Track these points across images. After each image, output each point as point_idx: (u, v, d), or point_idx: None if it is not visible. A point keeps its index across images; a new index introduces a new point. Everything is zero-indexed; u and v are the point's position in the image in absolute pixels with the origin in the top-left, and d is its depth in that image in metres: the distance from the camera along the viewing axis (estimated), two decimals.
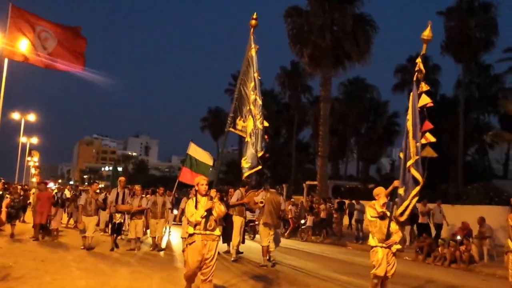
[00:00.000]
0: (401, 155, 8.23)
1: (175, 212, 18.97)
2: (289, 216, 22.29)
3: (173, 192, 17.83)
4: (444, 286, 11.45)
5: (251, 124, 7.77)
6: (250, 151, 7.71)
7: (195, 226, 7.34)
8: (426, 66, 38.62)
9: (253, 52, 8.08)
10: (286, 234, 21.56)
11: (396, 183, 8.05)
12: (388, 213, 7.98)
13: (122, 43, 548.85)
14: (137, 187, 14.86)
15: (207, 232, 7.36)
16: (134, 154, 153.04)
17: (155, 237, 14.63)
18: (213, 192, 7.57)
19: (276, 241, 12.96)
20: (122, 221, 14.30)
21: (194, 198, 7.53)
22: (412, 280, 11.53)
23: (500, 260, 15.45)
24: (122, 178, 14.74)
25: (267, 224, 12.49)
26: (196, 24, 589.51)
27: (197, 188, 7.60)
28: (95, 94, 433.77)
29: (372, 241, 8.12)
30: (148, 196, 15.87)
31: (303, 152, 54.46)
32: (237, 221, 13.41)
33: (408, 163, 7.80)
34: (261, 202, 12.73)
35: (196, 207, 7.39)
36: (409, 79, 46.80)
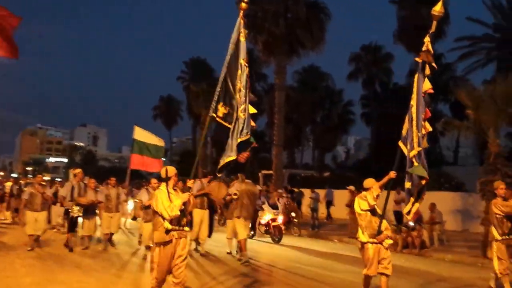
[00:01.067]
0: (401, 144, 7.99)
1: (130, 205, 18.75)
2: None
3: (127, 183, 17.26)
4: (396, 270, 11.96)
5: (235, 114, 7.64)
6: (229, 141, 7.60)
7: (170, 221, 6.66)
8: (378, 55, 40.04)
9: (242, 38, 7.85)
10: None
11: (392, 174, 7.72)
12: (379, 210, 7.79)
13: (68, 29, 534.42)
14: (91, 180, 13.83)
15: (180, 227, 6.79)
16: (81, 144, 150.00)
17: (107, 234, 13.76)
18: (191, 183, 7.24)
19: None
20: (81, 214, 13.07)
21: (166, 190, 6.80)
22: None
23: (450, 245, 16.38)
24: (78, 170, 13.78)
25: (243, 217, 12.05)
26: (147, 10, 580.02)
27: (175, 178, 6.97)
28: (39, 82, 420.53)
29: (362, 236, 7.74)
30: (102, 187, 14.91)
31: (258, 141, 54.59)
32: (197, 215, 12.71)
33: (411, 154, 7.58)
34: (235, 194, 12.18)
35: (169, 199, 6.71)
36: (363, 67, 48.22)
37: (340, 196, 22.24)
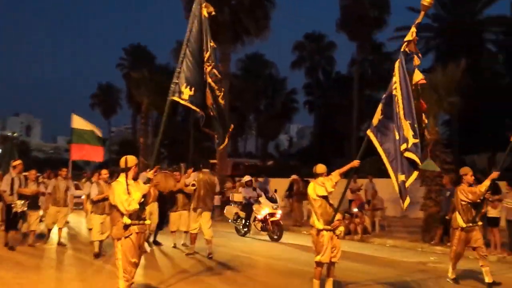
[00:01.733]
0: (370, 134, 7.60)
1: None
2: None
3: (70, 175, 16.72)
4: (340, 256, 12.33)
5: (209, 97, 7.24)
6: (217, 126, 7.35)
7: (130, 215, 6.26)
8: (322, 43, 40.50)
9: (205, 12, 7.39)
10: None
11: (355, 163, 7.58)
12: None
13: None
14: (32, 172, 12.69)
15: (141, 222, 6.43)
16: (14, 134, 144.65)
17: (50, 230, 13.06)
18: (151, 174, 6.58)
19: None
20: (25, 209, 11.94)
21: (124, 181, 6.35)
22: (307, 252, 12.41)
23: (390, 231, 16.95)
24: (18, 162, 12.49)
25: (200, 208, 11.35)
26: None
27: (135, 169, 6.56)
28: None
29: (318, 223, 7.60)
30: (45, 180, 14.06)
31: (201, 130, 54.48)
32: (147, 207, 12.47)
33: (402, 147, 7.11)
34: (193, 185, 11.61)
35: (128, 191, 6.27)
36: (307, 56, 48.72)
37: (282, 184, 22.52)
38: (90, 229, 12.21)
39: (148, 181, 6.49)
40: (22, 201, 11.83)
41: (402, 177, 7.17)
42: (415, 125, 7.02)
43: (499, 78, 34.60)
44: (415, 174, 7.10)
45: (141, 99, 47.36)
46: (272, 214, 14.97)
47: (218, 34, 29.60)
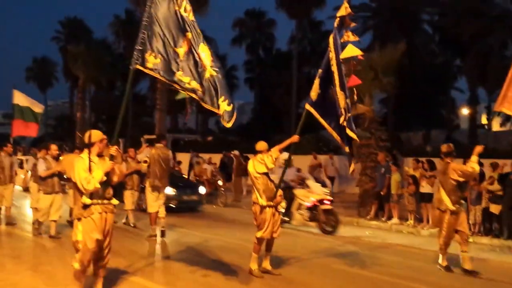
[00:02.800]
0: (309, 108, 7.71)
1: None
2: (205, 178, 19.83)
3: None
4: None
5: (207, 49, 6.62)
6: (225, 86, 6.59)
7: (91, 194, 5.77)
8: (261, 20, 40.37)
9: None
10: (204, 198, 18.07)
11: (295, 138, 7.57)
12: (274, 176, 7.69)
13: None
14: None
15: (105, 201, 5.90)
16: None
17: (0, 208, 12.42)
18: (114, 150, 5.96)
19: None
20: None
21: (87, 158, 5.81)
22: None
23: None
24: None
25: (155, 187, 10.57)
26: None
27: (99, 145, 5.98)
28: None
29: (261, 200, 7.50)
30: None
31: (140, 105, 53.57)
32: None
33: (341, 120, 7.12)
34: (145, 161, 10.79)
35: (89, 169, 5.75)
36: (246, 32, 48.39)
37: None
38: (35, 208, 11.20)
39: (111, 158, 5.91)
40: None
41: (347, 149, 7.43)
42: (347, 100, 7.12)
43: (434, 57, 35.68)
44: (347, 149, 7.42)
45: (78, 74, 46.08)
46: (322, 201, 12.75)
47: None
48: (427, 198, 12.77)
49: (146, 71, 6.38)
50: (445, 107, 36.47)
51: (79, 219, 5.78)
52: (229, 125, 6.47)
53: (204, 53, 6.51)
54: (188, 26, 6.54)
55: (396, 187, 13.61)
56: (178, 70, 6.39)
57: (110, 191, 5.97)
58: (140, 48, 6.34)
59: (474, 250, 9.89)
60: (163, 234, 10.66)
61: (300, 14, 38.30)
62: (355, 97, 7.58)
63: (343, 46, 7.45)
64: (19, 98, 15.06)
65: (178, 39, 6.49)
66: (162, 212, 10.69)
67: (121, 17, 50.36)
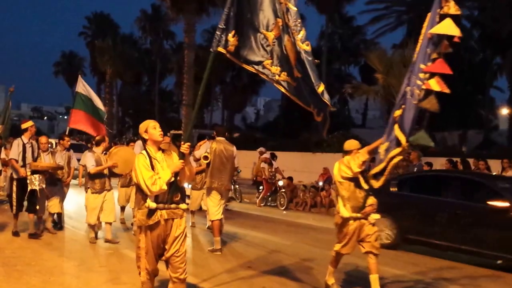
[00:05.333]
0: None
1: None
2: (263, 177, 17.14)
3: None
4: (306, 227, 12.25)
5: (291, 45, 5.51)
6: (311, 91, 5.48)
7: (156, 197, 4.87)
8: None
9: None
10: (258, 201, 16.89)
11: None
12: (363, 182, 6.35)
13: None
14: (43, 139, 9.70)
15: (173, 206, 4.96)
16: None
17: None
18: (185, 147, 4.91)
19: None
20: (44, 186, 9.15)
21: (146, 154, 4.90)
22: (276, 224, 12.50)
23: None
24: (30, 123, 9.52)
25: (216, 188, 8.79)
26: None
27: (146, 137, 5.00)
28: None
29: (344, 210, 6.38)
30: (64, 151, 10.43)
31: (166, 100, 53.88)
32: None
33: (396, 113, 5.78)
34: (205, 158, 8.84)
35: (152, 167, 4.85)
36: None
37: (248, 157, 22.16)
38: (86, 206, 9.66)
39: (182, 156, 4.93)
40: (38, 176, 9.08)
41: (383, 147, 5.93)
42: (407, 88, 5.63)
43: (473, 54, 34.69)
44: (398, 150, 5.64)
45: (105, 68, 46.51)
46: None
47: (183, 3, 28.81)
48: None
49: (227, 55, 5.48)
50: (484, 106, 35.42)
51: (141, 226, 4.96)
52: (324, 135, 5.84)
53: (288, 48, 5.56)
54: (279, 12, 5.57)
55: None
56: (266, 58, 5.51)
57: (178, 194, 5.08)
58: (223, 27, 5.38)
59: None
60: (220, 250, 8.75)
61: (330, 9, 37.82)
62: (437, 86, 5.41)
63: (441, 19, 5.52)
64: (82, 87, 13.34)
65: (269, 22, 5.56)
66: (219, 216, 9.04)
67: (147, 12, 50.68)
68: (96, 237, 9.10)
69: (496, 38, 30.06)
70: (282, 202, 16.20)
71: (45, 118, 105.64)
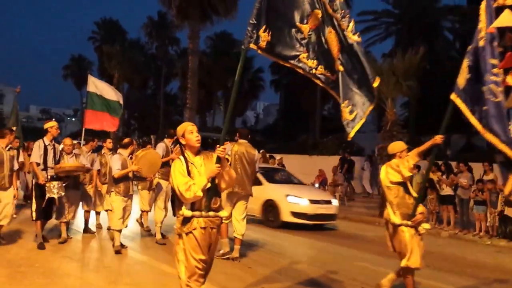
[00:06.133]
0: (456, 98, 5.51)
1: None
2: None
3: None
4: (304, 228, 12.33)
5: (334, 37, 5.00)
6: (349, 87, 4.98)
7: (192, 205, 4.41)
8: None
9: None
10: None
11: (438, 138, 5.75)
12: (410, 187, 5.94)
13: None
14: (67, 141, 8.93)
15: (211, 213, 4.46)
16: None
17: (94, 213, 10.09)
18: (220, 151, 4.42)
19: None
20: (63, 193, 8.37)
21: (183, 159, 4.46)
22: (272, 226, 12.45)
23: (349, 205, 17.22)
24: (53, 123, 8.75)
25: (237, 193, 8.02)
26: None
27: (183, 142, 4.57)
28: None
29: (394, 217, 5.80)
30: (89, 153, 10.01)
31: (171, 104, 54.23)
32: (163, 186, 9.57)
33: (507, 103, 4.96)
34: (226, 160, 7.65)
35: (189, 172, 4.40)
36: None
37: None
38: (108, 211, 9.27)
39: (218, 160, 4.43)
40: (59, 183, 8.30)
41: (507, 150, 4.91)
42: (485, 87, 5.11)
43: (455, 63, 35.30)
44: None
45: (112, 72, 46.82)
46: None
47: (187, 11, 29.27)
48: (448, 200, 12.75)
49: (259, 51, 5.03)
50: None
51: (179, 235, 4.44)
52: (350, 137, 5.03)
53: (330, 40, 5.05)
54: (318, 3, 5.06)
55: (417, 189, 13.58)
56: (302, 52, 5.06)
57: (217, 201, 4.57)
58: (254, 22, 4.91)
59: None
60: (235, 259, 8.00)
61: None
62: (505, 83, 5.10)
63: (497, 12, 5.19)
64: (93, 86, 12.85)
65: (304, 14, 5.08)
66: (242, 229, 8.16)
67: (154, 19, 51.10)
68: (122, 246, 8.39)
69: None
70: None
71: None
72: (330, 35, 5.05)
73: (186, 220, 4.41)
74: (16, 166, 8.44)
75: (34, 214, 8.41)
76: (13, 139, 8.75)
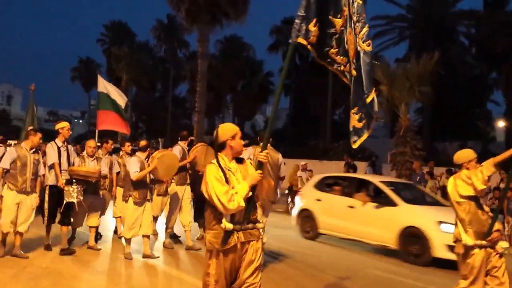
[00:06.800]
0: None
1: None
2: (299, 187, 15.10)
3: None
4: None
5: (351, 40, 4.59)
6: (360, 94, 4.58)
7: (232, 216, 3.92)
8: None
9: None
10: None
11: None
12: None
13: None
14: (91, 143, 8.54)
15: (250, 225, 4.00)
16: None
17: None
18: (263, 156, 3.95)
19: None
20: (81, 198, 7.87)
21: (217, 164, 3.96)
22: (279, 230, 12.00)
23: None
24: (64, 124, 8.33)
25: (260, 199, 6.94)
26: None
27: (232, 143, 4.04)
28: None
29: (466, 237, 5.14)
30: (107, 155, 9.25)
31: (179, 107, 54.25)
32: (178, 192, 9.17)
33: None
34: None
35: (227, 180, 3.91)
36: (284, 40, 48.46)
37: None
38: (118, 217, 9.15)
39: (259, 166, 4.00)
40: (77, 187, 7.84)
41: None
42: None
43: (470, 69, 35.09)
44: None
45: (121, 75, 46.96)
46: None
47: (197, 15, 29.20)
48: None
49: (308, 47, 4.50)
50: (481, 119, 35.93)
51: (212, 250, 3.96)
52: (354, 145, 4.60)
53: (349, 42, 4.69)
54: (345, 0, 4.69)
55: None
56: (331, 47, 4.65)
57: (256, 212, 4.18)
58: (303, 14, 4.40)
59: None
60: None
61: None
62: None
63: None
64: (103, 86, 12.53)
65: (338, 8, 4.68)
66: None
67: (163, 22, 51.19)
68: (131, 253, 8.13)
69: (491, 54, 30.49)
70: None
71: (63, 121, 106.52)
72: (349, 36, 4.67)
73: (226, 235, 3.88)
74: (42, 171, 7.79)
75: (45, 219, 8.03)
76: (38, 141, 7.82)
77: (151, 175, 8.01)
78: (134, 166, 7.86)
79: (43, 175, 7.86)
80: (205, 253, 4.06)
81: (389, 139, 23.75)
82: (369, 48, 4.50)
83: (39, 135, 7.77)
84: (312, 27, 4.41)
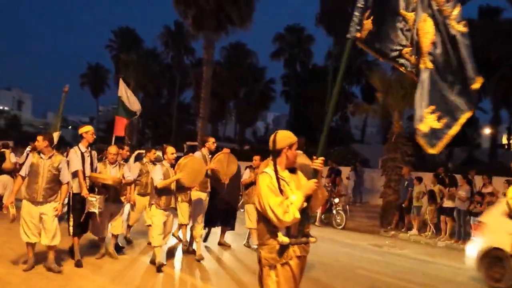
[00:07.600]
0: None
1: None
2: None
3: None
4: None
5: (429, 27, 3.90)
6: (439, 89, 3.88)
7: (287, 230, 3.65)
8: (300, 36, 40.85)
9: None
10: (317, 219, 15.10)
11: None
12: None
13: None
14: (112, 149, 8.18)
15: (304, 239, 3.73)
16: (6, 108, 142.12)
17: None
18: (319, 163, 3.73)
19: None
20: (102, 208, 7.55)
21: (273, 173, 3.70)
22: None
23: (352, 215, 17.23)
24: (88, 128, 7.98)
25: None
26: None
27: (289, 154, 3.83)
28: None
29: None
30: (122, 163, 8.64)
31: (184, 113, 54.61)
32: (202, 198, 8.94)
33: None
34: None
35: (281, 190, 3.63)
36: (286, 47, 48.81)
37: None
38: (149, 226, 8.30)
39: (314, 175, 3.78)
40: (99, 197, 7.47)
41: None
42: None
43: None
44: None
45: (128, 81, 47.35)
46: None
47: (203, 21, 29.58)
48: (448, 212, 12.86)
49: (357, 43, 4.04)
50: (468, 126, 36.19)
51: (271, 266, 3.65)
52: (433, 150, 3.84)
53: (422, 31, 3.99)
54: None
55: (416, 201, 13.76)
56: (405, 45, 4.09)
57: (309, 225, 3.85)
58: (362, 5, 3.95)
59: None
60: None
61: (339, 31, 38.54)
62: None
63: None
64: (123, 91, 12.09)
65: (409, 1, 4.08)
66: None
67: (170, 29, 51.57)
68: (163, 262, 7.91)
69: (485, 62, 30.71)
70: (338, 221, 14.62)
71: (70, 127, 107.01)
72: (423, 24, 3.97)
73: (282, 249, 3.59)
74: (66, 179, 7.09)
75: (71, 229, 7.58)
76: (48, 145, 7.07)
77: (178, 183, 7.77)
78: (157, 173, 7.61)
79: (68, 183, 7.19)
80: (263, 270, 3.73)
81: (382, 145, 24.09)
82: (465, 29, 3.87)
83: (48, 136, 7.23)
84: (365, 20, 3.97)
